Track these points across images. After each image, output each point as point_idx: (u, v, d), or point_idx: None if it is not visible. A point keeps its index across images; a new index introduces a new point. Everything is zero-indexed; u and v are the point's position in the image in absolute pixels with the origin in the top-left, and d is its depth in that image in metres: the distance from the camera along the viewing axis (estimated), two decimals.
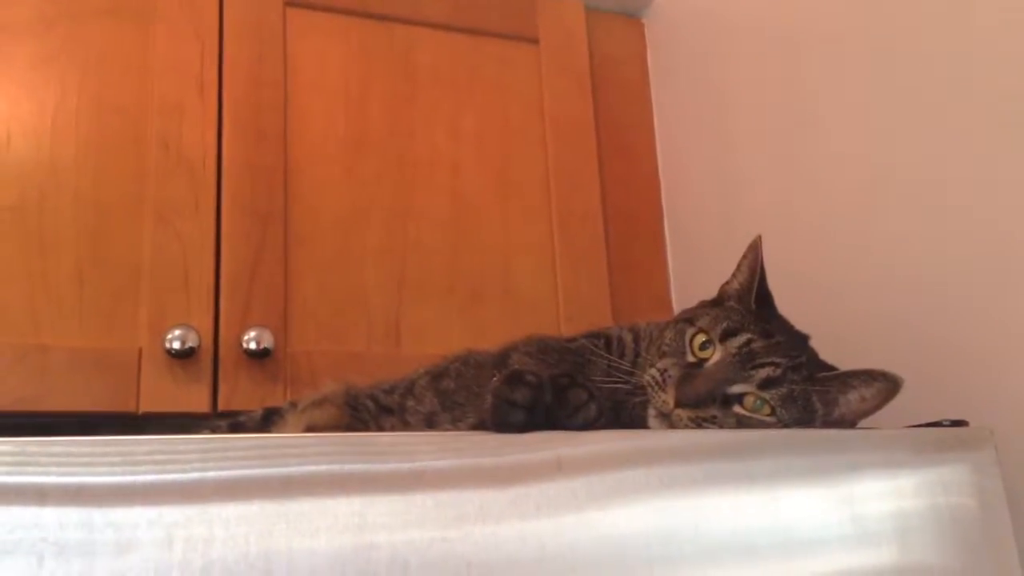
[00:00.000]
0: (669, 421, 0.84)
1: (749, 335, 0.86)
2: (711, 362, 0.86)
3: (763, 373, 0.83)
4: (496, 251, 1.46)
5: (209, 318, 1.26)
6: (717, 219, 1.50)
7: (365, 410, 1.01)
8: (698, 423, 0.82)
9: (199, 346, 1.22)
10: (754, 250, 0.94)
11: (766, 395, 0.83)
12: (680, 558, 0.67)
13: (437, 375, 1.01)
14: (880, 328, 1.07)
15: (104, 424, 1.16)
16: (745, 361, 0.84)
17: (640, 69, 1.67)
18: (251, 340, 1.25)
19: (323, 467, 0.63)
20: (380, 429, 1.01)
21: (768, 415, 0.83)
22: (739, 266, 0.96)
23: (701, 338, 0.88)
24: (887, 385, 0.81)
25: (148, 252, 1.25)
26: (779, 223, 1.32)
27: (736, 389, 0.83)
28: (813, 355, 0.90)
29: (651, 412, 0.86)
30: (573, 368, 0.90)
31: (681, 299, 1.54)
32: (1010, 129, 0.94)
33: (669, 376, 0.85)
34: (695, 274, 1.55)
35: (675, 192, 1.62)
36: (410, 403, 1.00)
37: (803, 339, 0.92)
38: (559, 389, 0.75)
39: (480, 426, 0.77)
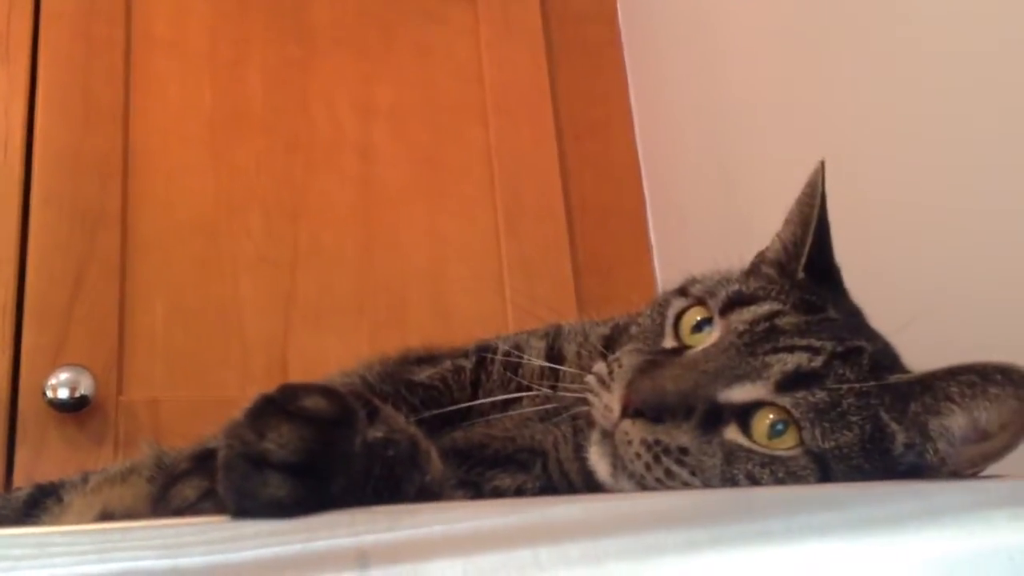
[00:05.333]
0: (611, 449, 0.50)
1: (773, 306, 0.52)
2: (700, 347, 0.52)
3: (790, 361, 0.48)
4: (422, 255, 1.14)
5: (5, 358, 0.92)
6: (715, 208, 1.21)
7: None
8: (654, 455, 0.48)
9: None
10: (812, 188, 0.60)
11: (788, 401, 0.47)
12: None
13: None
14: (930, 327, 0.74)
15: None
16: (758, 344, 0.49)
17: (609, 28, 1.37)
18: (61, 386, 0.89)
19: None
20: None
21: (790, 447, 0.47)
22: (788, 216, 0.61)
23: (695, 315, 0.54)
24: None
25: None
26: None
27: (736, 395, 0.48)
28: (888, 353, 0.53)
29: (592, 436, 0.52)
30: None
31: None
32: None
33: (620, 367, 0.50)
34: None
35: (660, 178, 1.32)
36: None
37: (874, 333, 0.55)
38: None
39: None
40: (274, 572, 0.34)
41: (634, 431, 0.48)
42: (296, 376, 1.01)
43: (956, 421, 0.47)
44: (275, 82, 1.13)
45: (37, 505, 0.73)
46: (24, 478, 0.88)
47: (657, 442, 0.47)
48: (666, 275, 1.28)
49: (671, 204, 1.29)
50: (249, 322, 1.03)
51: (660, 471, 0.47)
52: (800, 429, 0.47)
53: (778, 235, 0.61)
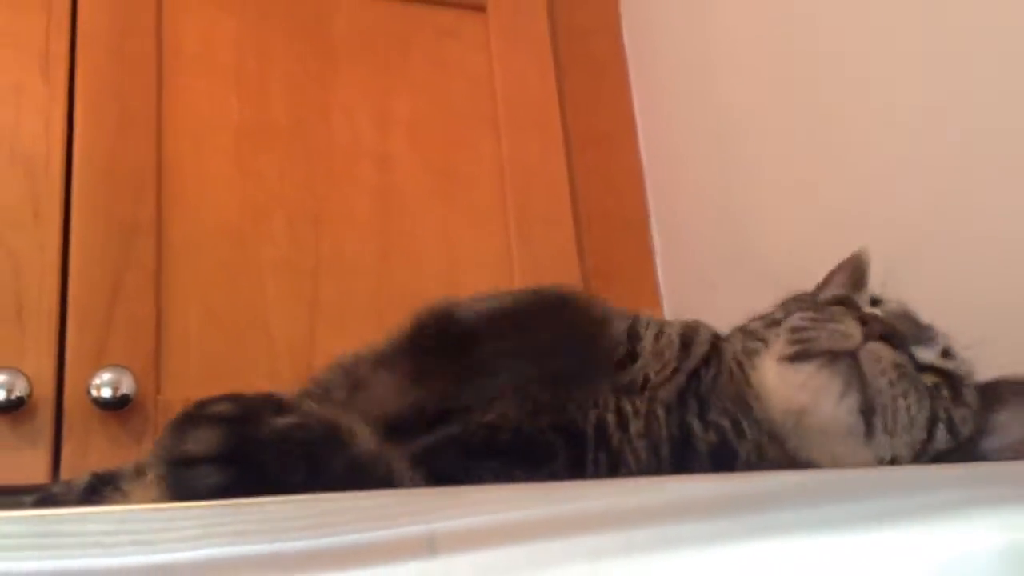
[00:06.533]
0: (847, 369, 0.51)
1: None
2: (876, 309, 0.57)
3: (942, 341, 0.55)
4: (437, 262, 1.17)
5: (50, 359, 0.97)
6: (717, 218, 1.25)
7: None
8: (900, 373, 0.51)
9: (30, 395, 0.93)
10: (854, 264, 0.68)
11: (952, 365, 0.54)
12: None
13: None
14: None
15: None
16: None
17: (614, 42, 1.41)
18: (103, 385, 0.95)
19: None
20: None
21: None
22: (831, 279, 0.69)
23: (842, 310, 0.57)
24: None
25: None
26: (796, 220, 1.10)
27: (921, 354, 0.54)
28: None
29: (808, 364, 0.53)
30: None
31: (674, 314, 1.24)
32: None
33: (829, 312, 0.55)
34: (690, 284, 1.29)
35: (663, 187, 1.36)
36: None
37: None
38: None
39: None
40: (354, 556, 0.40)
41: (884, 351, 0.51)
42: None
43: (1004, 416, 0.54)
44: (297, 95, 1.17)
45: (96, 492, 0.78)
46: (70, 473, 0.94)
47: (902, 364, 0.51)
48: (668, 280, 1.32)
49: (673, 212, 1.33)
50: (275, 325, 1.08)
51: (902, 388, 0.51)
52: (951, 399, 0.53)
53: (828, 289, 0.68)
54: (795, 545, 0.40)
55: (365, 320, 1.11)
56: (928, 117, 0.93)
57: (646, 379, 0.56)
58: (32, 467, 0.94)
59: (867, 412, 0.50)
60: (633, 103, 1.39)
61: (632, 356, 0.58)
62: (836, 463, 0.50)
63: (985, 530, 0.42)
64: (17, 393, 0.92)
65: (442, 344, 0.59)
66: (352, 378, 0.60)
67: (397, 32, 1.25)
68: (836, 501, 0.42)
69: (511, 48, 1.30)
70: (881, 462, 0.49)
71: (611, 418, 0.53)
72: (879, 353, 0.51)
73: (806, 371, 0.51)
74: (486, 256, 1.21)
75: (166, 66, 1.12)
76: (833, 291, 0.65)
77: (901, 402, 0.50)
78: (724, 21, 1.24)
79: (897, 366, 0.51)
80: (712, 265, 1.27)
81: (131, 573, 0.35)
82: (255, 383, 1.05)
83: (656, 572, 0.36)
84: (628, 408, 0.53)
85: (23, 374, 0.93)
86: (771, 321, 0.60)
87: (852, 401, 0.50)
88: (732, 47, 1.23)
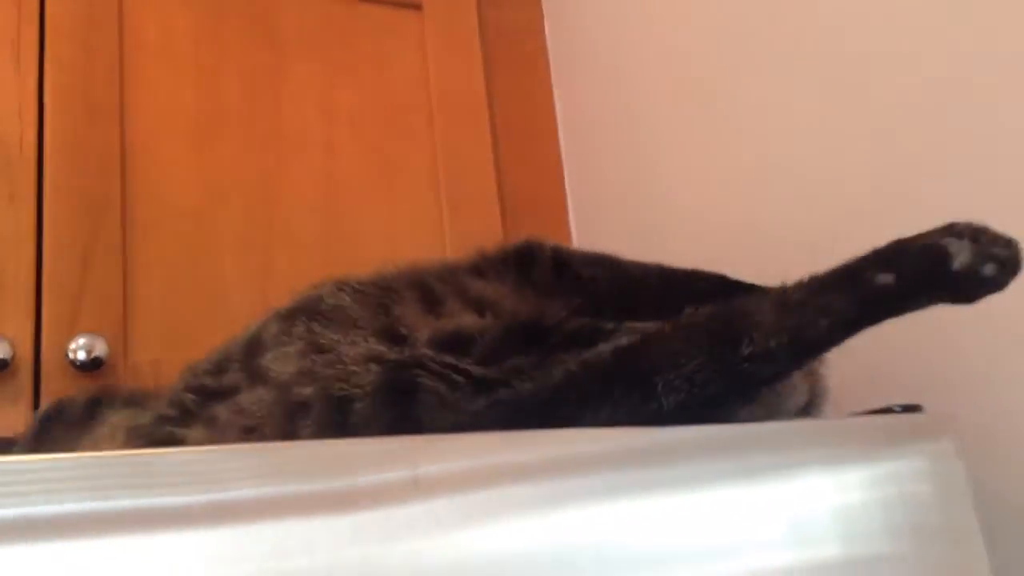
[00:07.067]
0: None
1: None
2: None
3: None
4: (377, 241, 1.29)
5: (28, 325, 1.07)
6: (628, 203, 1.39)
7: (178, 416, 0.71)
8: None
9: (13, 357, 1.03)
10: None
11: None
12: None
13: (302, 309, 0.70)
14: None
15: None
16: None
17: (537, 40, 1.53)
18: (79, 349, 1.05)
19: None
20: (208, 425, 0.68)
21: None
22: None
23: None
24: None
25: None
26: (698, 207, 1.23)
27: None
28: None
29: None
30: None
31: None
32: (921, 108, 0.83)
33: None
34: None
35: (580, 175, 1.50)
36: (267, 358, 0.67)
37: None
38: None
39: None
40: (338, 500, 0.52)
41: None
42: None
43: None
44: (250, 85, 1.28)
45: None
46: None
47: None
48: None
49: (589, 196, 1.46)
50: (232, 295, 1.19)
51: None
52: None
53: None
54: (659, 502, 0.55)
55: None
56: (801, 114, 1.08)
57: None
58: (14, 422, 1.03)
59: None
60: (554, 96, 1.52)
61: None
62: None
63: (826, 489, 0.58)
64: (1, 355, 1.02)
65: None
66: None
67: (341, 29, 1.36)
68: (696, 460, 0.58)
69: (444, 45, 1.42)
70: None
71: None
72: None
73: None
74: (420, 233, 1.33)
75: (128, 56, 1.21)
76: None
77: None
78: (638, 23, 1.37)
79: None
80: (623, 242, 1.41)
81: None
82: (214, 345, 1.17)
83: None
84: None
85: (5, 339, 1.03)
86: None
87: None
88: (643, 46, 1.35)
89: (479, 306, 0.61)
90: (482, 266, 0.69)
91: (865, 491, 0.58)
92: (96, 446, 0.75)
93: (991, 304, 0.57)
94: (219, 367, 0.71)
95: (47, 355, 1.06)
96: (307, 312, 0.67)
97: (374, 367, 0.57)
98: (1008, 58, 0.80)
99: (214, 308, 1.17)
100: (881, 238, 0.90)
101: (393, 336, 0.60)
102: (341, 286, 0.70)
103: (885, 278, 0.53)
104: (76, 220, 1.12)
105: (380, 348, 0.58)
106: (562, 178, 1.50)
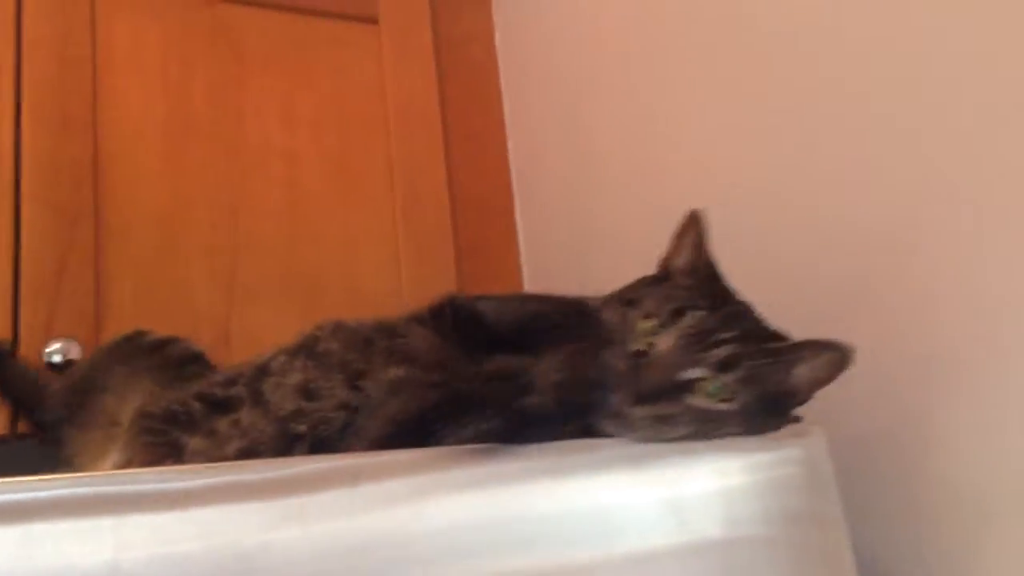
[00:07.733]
0: (625, 423, 0.71)
1: (702, 312, 0.75)
2: (661, 347, 0.74)
3: (721, 353, 0.73)
4: (337, 244, 1.38)
5: (6, 329, 1.14)
6: (572, 204, 1.45)
7: (181, 420, 0.84)
8: (660, 421, 0.71)
9: None
10: (696, 224, 0.84)
11: (726, 378, 0.72)
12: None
13: (304, 346, 0.85)
14: None
15: None
16: (699, 341, 0.73)
17: (488, 51, 1.61)
18: (55, 352, 1.13)
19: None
20: (208, 437, 0.82)
21: (726, 401, 0.72)
22: (680, 242, 0.85)
23: (648, 324, 0.75)
24: (837, 356, 0.72)
25: None
26: (639, 206, 1.29)
27: (691, 374, 0.72)
28: (758, 322, 0.80)
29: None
30: None
31: (533, 285, 1.50)
32: (869, 122, 0.92)
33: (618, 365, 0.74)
34: (549, 260, 1.51)
35: (527, 177, 1.57)
36: (268, 384, 0.82)
37: (748, 306, 0.82)
38: None
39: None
40: (284, 488, 0.61)
41: (643, 412, 0.70)
42: (237, 341, 1.27)
43: (802, 368, 0.74)
44: (216, 97, 1.34)
45: None
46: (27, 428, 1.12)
47: (659, 416, 0.70)
48: (529, 256, 1.53)
49: (534, 199, 1.53)
50: (199, 299, 1.27)
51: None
52: (733, 390, 0.71)
53: (678, 253, 0.84)
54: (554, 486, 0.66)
55: (276, 294, 1.32)
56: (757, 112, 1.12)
57: None
58: None
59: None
60: (504, 104, 1.60)
61: None
62: None
63: (705, 474, 0.69)
64: None
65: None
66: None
67: (301, 41, 1.43)
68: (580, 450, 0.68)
69: (399, 57, 1.50)
70: None
71: None
72: (639, 416, 0.71)
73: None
74: (376, 236, 1.41)
75: (100, 70, 1.27)
76: (684, 257, 0.83)
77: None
78: (584, 32, 1.43)
79: (653, 419, 0.71)
80: (567, 244, 1.48)
81: None
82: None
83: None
84: None
85: None
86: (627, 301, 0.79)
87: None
88: (588, 55, 1.41)
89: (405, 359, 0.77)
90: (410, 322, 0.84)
91: (745, 475, 0.68)
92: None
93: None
94: (230, 381, 0.85)
95: (25, 357, 1.14)
96: (306, 351, 0.83)
97: (343, 414, 0.70)
98: (961, 62, 0.83)
99: (182, 310, 1.25)
100: (825, 239, 0.97)
101: (354, 386, 0.76)
102: (336, 330, 0.84)
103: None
104: (52, 228, 1.19)
105: (347, 396, 0.71)
106: (510, 180, 1.58)
